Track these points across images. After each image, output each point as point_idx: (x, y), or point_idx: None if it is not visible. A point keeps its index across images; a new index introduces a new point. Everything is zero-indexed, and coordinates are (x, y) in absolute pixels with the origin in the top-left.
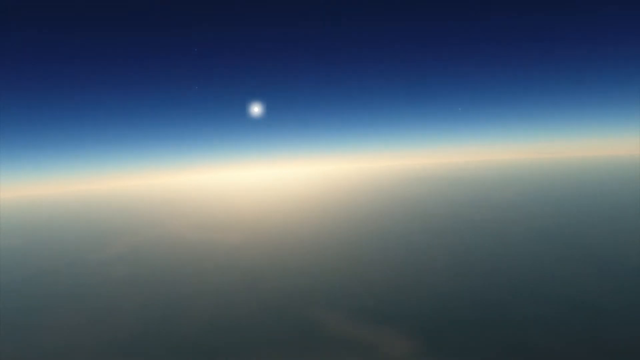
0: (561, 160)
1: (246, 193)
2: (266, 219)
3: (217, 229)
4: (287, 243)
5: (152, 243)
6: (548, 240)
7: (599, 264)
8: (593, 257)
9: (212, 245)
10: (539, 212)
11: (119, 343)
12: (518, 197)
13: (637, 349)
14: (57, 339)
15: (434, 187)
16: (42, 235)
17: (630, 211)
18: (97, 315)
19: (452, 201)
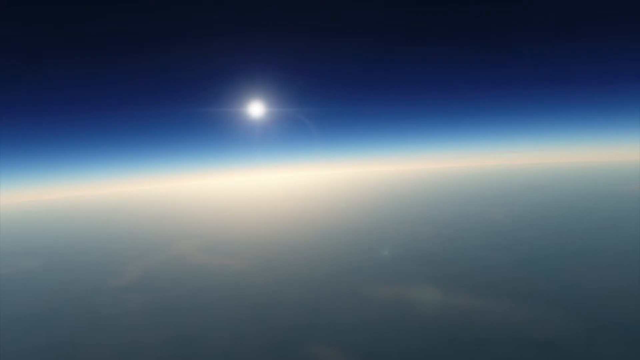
0: (560, 164)
1: (247, 200)
2: (270, 234)
3: (223, 248)
4: (291, 265)
5: (163, 265)
6: (533, 266)
7: (580, 301)
8: (574, 289)
9: (221, 269)
10: (530, 230)
11: None
12: (513, 210)
13: None
14: None
15: (434, 194)
16: (47, 253)
17: (626, 229)
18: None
19: (449, 215)
